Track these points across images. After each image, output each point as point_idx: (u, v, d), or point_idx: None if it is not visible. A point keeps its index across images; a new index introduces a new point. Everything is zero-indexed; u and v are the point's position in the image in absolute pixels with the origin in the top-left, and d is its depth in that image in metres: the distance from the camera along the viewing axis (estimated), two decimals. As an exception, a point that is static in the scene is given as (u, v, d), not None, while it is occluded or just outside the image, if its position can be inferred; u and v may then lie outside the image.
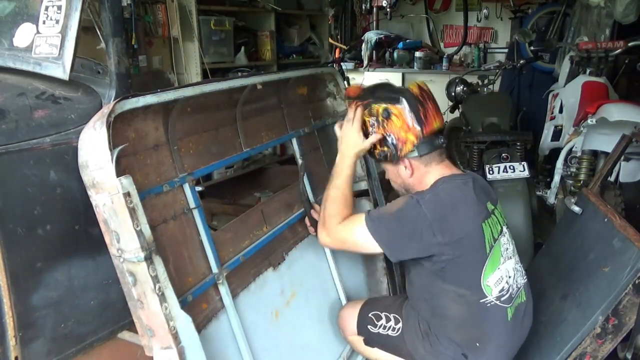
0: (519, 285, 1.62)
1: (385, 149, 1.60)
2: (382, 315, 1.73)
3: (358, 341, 1.81)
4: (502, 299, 1.54)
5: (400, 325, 1.68)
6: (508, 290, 1.56)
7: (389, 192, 2.44)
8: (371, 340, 1.76)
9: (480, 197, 1.57)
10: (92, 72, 1.41)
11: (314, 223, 1.82)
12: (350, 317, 1.81)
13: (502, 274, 1.55)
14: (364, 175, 2.21)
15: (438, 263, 1.50)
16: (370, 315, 1.75)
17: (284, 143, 2.06)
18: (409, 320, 1.67)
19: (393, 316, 1.71)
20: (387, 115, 1.56)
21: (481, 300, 1.51)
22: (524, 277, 1.68)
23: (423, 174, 1.60)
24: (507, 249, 1.60)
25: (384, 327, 1.71)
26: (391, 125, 1.56)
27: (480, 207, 1.54)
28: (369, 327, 1.75)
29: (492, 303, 1.52)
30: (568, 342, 1.62)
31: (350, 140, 1.65)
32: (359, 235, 1.54)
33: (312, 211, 1.86)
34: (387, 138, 1.58)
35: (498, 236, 1.56)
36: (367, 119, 1.62)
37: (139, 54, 3.22)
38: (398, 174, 1.65)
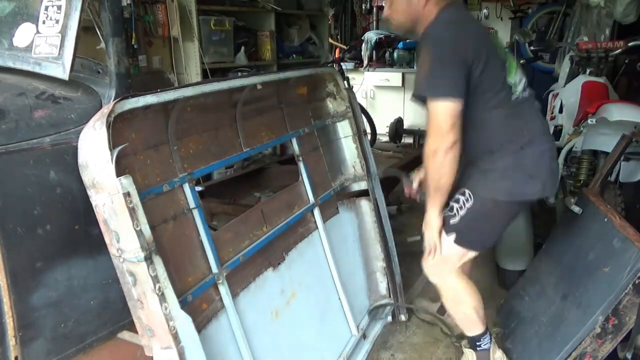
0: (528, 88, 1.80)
1: None
2: (450, 203, 1.75)
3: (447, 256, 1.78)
4: (525, 94, 1.74)
5: (467, 191, 1.71)
6: (525, 88, 1.75)
7: (388, 192, 2.44)
8: (457, 227, 1.73)
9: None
10: (92, 72, 1.41)
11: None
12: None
13: (520, 77, 1.74)
14: (363, 175, 2.21)
15: (475, 80, 1.60)
16: (444, 213, 1.75)
17: (284, 143, 2.06)
18: (472, 176, 1.73)
19: (457, 197, 1.73)
20: None
21: (513, 97, 1.69)
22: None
23: (434, 3, 1.67)
24: (513, 59, 1.77)
25: (460, 207, 1.72)
26: None
27: (480, 24, 1.80)
28: (450, 221, 1.74)
29: (520, 97, 1.71)
30: (568, 342, 1.62)
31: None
32: (439, 111, 1.56)
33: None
34: None
35: (505, 50, 1.78)
36: None
37: (139, 54, 3.22)
38: (409, 3, 1.68)
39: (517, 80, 1.72)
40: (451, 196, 1.74)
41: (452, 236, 1.74)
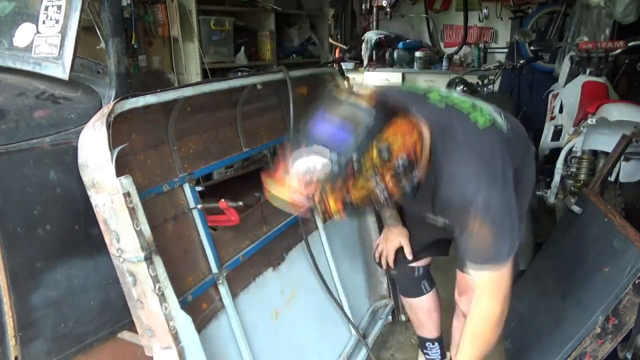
0: None
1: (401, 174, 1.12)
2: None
3: None
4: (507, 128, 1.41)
5: None
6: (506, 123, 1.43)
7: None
8: None
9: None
10: (92, 72, 1.41)
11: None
12: None
13: (498, 115, 1.41)
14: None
15: None
16: None
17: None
18: None
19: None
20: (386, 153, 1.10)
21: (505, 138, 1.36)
22: None
23: (420, 140, 1.18)
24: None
25: None
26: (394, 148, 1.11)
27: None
28: None
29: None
30: (568, 342, 1.61)
31: None
32: (506, 274, 1.26)
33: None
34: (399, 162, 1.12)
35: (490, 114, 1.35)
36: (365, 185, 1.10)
37: (139, 54, 3.21)
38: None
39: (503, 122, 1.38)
40: None
41: None
